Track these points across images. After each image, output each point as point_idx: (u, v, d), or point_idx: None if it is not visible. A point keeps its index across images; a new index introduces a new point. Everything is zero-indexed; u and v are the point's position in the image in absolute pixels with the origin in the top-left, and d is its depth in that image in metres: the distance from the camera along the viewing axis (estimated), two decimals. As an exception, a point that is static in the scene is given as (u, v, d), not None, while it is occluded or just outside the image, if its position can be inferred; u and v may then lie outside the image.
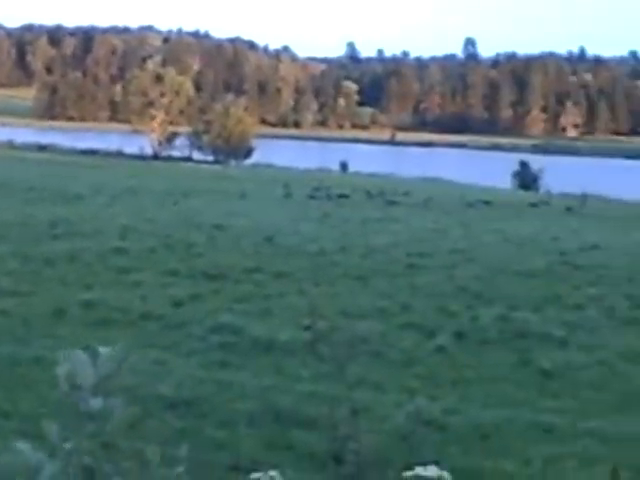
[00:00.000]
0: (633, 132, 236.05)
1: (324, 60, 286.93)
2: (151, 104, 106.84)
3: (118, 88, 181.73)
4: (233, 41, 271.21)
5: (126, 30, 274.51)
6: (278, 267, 19.04)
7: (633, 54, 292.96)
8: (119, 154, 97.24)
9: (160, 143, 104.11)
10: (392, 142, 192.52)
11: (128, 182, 46.94)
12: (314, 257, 21.09)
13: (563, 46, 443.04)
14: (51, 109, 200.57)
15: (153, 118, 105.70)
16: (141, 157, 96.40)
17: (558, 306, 15.94)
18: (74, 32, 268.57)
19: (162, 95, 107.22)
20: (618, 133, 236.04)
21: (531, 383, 11.21)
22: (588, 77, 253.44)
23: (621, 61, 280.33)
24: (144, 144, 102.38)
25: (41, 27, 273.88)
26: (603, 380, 11.28)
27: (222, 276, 17.69)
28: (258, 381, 10.53)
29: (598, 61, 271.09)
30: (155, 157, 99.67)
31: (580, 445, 8.87)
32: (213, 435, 8.81)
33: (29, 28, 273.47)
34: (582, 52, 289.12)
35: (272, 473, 2.82)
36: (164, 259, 19.73)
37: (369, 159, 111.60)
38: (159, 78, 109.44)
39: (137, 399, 9.35)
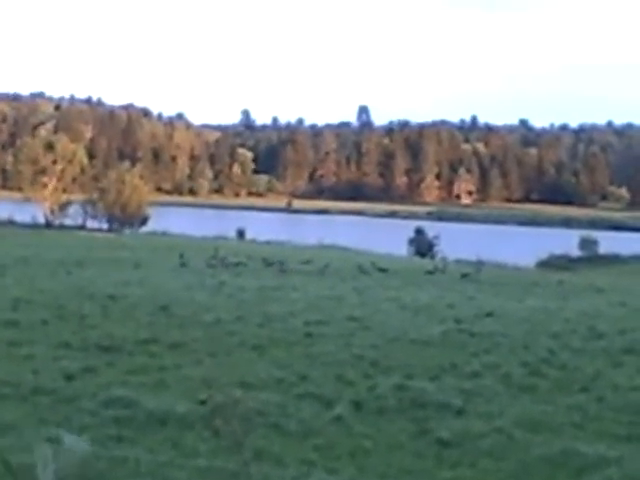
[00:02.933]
0: (525, 199, 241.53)
1: (219, 127, 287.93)
2: (43, 172, 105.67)
3: (9, 156, 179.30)
4: (126, 108, 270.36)
5: (17, 97, 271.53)
6: (173, 338, 18.76)
7: (523, 122, 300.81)
8: (10, 223, 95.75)
9: (53, 211, 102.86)
10: (288, 210, 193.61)
11: (20, 252, 46.14)
12: (210, 327, 20.87)
13: (455, 115, 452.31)
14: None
15: (45, 186, 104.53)
16: (33, 226, 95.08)
17: (455, 374, 15.98)
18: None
19: (54, 163, 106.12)
20: (510, 200, 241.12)
21: (429, 453, 11.15)
22: (480, 145, 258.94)
23: (511, 129, 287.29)
24: (36, 213, 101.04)
25: None
26: (501, 449, 11.26)
27: (116, 348, 17.34)
28: (153, 456, 10.27)
29: (489, 129, 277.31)
30: (48, 226, 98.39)
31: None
32: (107, 514, 8.56)
33: None
34: (474, 120, 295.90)
35: None
36: (56, 331, 19.28)
37: (266, 227, 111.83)
38: (51, 146, 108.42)
39: (30, 479, 9.03)
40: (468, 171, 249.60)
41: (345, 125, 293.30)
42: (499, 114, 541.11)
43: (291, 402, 13.25)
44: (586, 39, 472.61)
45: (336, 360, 17.03)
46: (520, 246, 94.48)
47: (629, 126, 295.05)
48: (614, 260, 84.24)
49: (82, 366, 15.31)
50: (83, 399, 12.93)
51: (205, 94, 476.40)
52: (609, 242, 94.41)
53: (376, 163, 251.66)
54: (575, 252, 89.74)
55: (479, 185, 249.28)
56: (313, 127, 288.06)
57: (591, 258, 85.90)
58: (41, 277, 32.72)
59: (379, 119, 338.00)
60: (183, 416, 12.01)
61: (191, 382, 14.06)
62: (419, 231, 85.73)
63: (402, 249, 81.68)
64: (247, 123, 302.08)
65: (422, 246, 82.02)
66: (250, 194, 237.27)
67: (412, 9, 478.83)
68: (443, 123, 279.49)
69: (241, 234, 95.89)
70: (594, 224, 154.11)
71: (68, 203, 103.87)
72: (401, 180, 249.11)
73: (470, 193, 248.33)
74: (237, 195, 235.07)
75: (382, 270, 44.17)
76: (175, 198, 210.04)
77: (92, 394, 13.18)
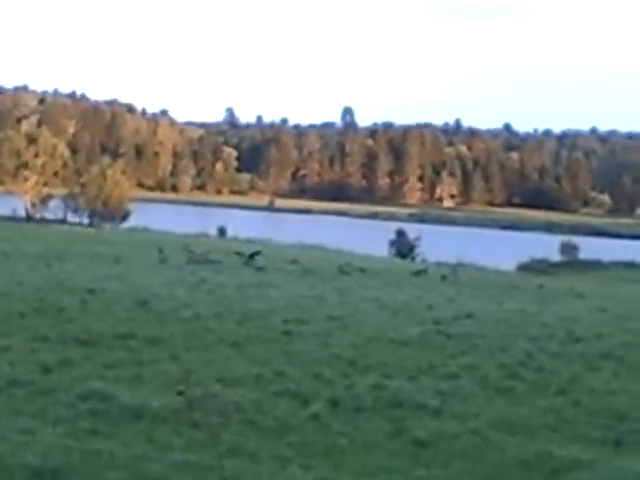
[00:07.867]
0: (507, 203, 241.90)
1: (203, 125, 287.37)
2: (25, 165, 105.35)
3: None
4: (111, 103, 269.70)
5: (0, 90, 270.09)
6: (151, 333, 18.71)
7: (507, 127, 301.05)
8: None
9: (34, 205, 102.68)
10: (271, 208, 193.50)
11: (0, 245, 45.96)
12: (188, 323, 20.82)
13: (439, 117, 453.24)
14: None
15: (27, 180, 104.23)
16: (14, 219, 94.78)
17: (432, 375, 15.97)
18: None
19: (36, 156, 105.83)
20: (493, 204, 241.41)
21: (405, 452, 11.14)
22: (463, 148, 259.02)
23: (495, 133, 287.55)
24: (17, 206, 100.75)
25: None
26: (476, 450, 11.26)
27: (94, 342, 17.29)
28: (128, 450, 10.24)
29: (473, 133, 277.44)
30: (29, 219, 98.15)
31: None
32: (80, 506, 8.52)
33: None
34: (457, 124, 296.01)
35: None
36: (34, 324, 19.21)
37: (247, 225, 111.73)
38: (33, 139, 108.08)
39: (3, 468, 9.02)
40: (451, 174, 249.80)
41: (329, 126, 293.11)
42: (483, 118, 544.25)
43: (268, 399, 13.24)
44: (571, 46, 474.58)
45: (314, 358, 17.01)
46: (501, 249, 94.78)
47: (613, 132, 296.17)
48: (594, 265, 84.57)
49: (59, 359, 15.26)
50: (59, 392, 12.88)
51: (189, 91, 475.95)
52: (590, 247, 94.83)
53: (359, 164, 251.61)
54: (556, 257, 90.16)
55: (461, 188, 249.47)
56: (297, 127, 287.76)
57: (571, 263, 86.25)
58: (21, 270, 32.61)
59: (363, 120, 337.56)
60: (158, 410, 11.98)
61: (168, 377, 14.01)
62: (400, 233, 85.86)
63: (383, 250, 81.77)
64: (231, 121, 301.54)
65: (403, 247, 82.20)
66: (232, 192, 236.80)
67: (397, 13, 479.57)
68: (427, 126, 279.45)
69: (222, 232, 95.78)
70: (575, 229, 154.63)
71: (49, 197, 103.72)
72: (384, 181, 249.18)
73: (452, 196, 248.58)
74: (219, 193, 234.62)
75: (362, 270, 44.19)
76: (157, 194, 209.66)
77: (68, 387, 13.13)
